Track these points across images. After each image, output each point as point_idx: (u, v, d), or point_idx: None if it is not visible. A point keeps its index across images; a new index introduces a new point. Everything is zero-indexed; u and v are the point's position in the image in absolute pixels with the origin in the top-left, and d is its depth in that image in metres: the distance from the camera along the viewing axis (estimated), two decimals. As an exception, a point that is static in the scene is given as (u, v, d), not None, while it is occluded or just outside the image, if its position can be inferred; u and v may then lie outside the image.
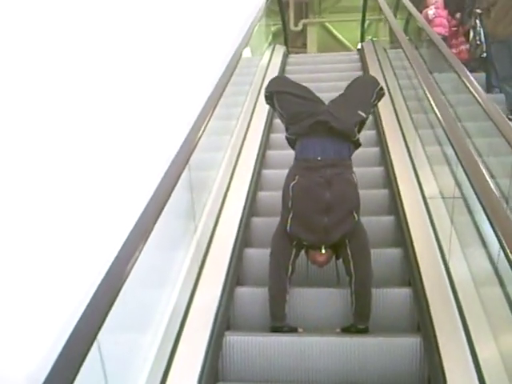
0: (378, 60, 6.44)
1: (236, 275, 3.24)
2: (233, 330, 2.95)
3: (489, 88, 5.79)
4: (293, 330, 2.87)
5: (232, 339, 2.75)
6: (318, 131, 2.88)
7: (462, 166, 2.46)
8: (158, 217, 2.18)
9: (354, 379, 2.66)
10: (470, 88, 3.32)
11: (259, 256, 3.27)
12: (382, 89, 3.11)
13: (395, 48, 6.26)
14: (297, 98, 3.01)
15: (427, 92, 3.39)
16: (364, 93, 3.05)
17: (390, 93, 5.13)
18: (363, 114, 2.95)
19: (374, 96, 3.05)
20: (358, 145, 3.00)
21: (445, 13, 6.94)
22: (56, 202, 1.85)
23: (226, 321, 2.93)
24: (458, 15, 6.83)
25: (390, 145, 4.38)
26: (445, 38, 6.31)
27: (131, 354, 2.30)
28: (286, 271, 2.88)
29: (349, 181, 2.87)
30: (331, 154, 2.86)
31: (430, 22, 6.61)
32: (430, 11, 6.89)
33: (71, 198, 1.95)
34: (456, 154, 2.60)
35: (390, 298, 2.98)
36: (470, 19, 6.40)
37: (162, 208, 2.26)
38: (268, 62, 6.62)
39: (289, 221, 2.84)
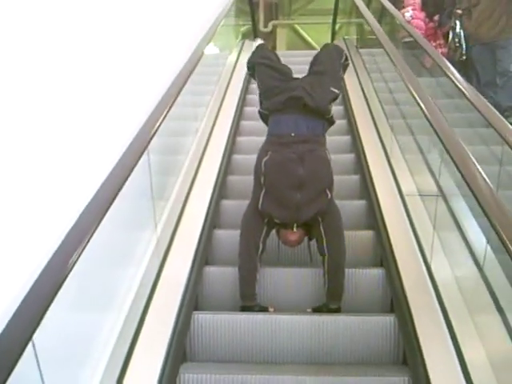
0: (351, 57, 6.42)
1: (205, 255, 3.14)
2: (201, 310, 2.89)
3: None
4: (263, 310, 2.80)
5: (200, 317, 2.66)
6: (292, 107, 2.85)
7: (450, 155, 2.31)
8: (110, 200, 1.96)
9: (325, 359, 2.59)
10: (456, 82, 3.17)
11: (228, 238, 3.23)
12: (346, 59, 3.11)
13: (368, 47, 6.27)
14: (274, 71, 2.98)
15: (410, 86, 3.18)
16: (332, 68, 3.01)
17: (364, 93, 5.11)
18: (336, 91, 2.93)
19: (340, 70, 3.05)
20: (331, 122, 2.97)
21: (422, 15, 6.60)
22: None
23: (194, 299, 2.83)
24: (436, 17, 6.40)
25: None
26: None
27: (92, 334, 2.20)
28: (257, 249, 2.82)
29: (322, 157, 2.83)
30: (304, 130, 2.83)
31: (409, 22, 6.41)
32: (407, 13, 6.52)
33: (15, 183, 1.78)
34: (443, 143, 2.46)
35: (362, 278, 2.93)
36: (449, 20, 5.96)
37: (116, 191, 2.03)
38: (236, 59, 6.35)
39: (261, 197, 2.79)
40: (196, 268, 2.93)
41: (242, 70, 5.55)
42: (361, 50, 6.52)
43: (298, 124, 2.84)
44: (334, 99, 2.95)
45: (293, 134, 2.82)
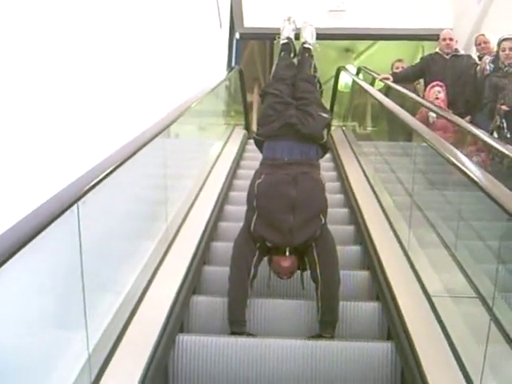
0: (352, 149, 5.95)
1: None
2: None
3: None
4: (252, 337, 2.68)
5: (186, 339, 2.53)
6: (286, 134, 2.96)
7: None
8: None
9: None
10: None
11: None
12: (320, 86, 3.28)
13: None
14: (278, 103, 3.07)
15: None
16: (315, 99, 3.14)
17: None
18: (326, 115, 3.08)
19: (320, 98, 3.22)
20: (326, 148, 3.08)
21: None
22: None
23: (179, 323, 2.68)
24: (468, 118, 4.94)
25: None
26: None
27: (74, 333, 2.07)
28: (248, 273, 2.77)
29: (316, 180, 2.89)
30: (298, 155, 2.92)
31: (429, 125, 4.64)
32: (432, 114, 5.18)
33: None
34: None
35: (358, 311, 2.85)
36: (490, 121, 4.62)
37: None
38: (221, 149, 5.79)
39: (253, 220, 2.79)
40: (183, 295, 2.77)
41: (226, 162, 5.19)
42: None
43: (291, 149, 2.93)
44: (326, 124, 3.06)
45: (286, 159, 2.90)
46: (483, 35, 5.42)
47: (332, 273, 2.77)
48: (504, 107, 4.44)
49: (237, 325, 2.72)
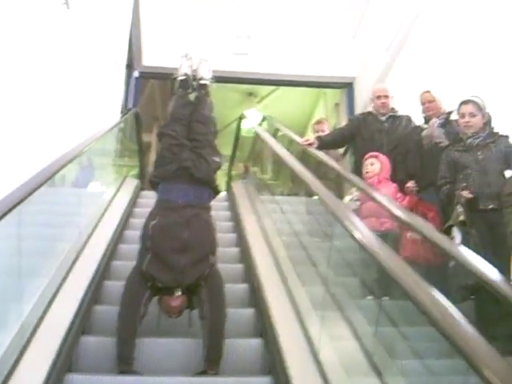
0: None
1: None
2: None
3: None
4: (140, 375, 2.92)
5: (74, 378, 2.76)
6: (181, 177, 3.33)
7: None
8: None
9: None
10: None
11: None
12: (214, 123, 3.70)
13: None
14: (172, 139, 3.48)
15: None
16: (208, 141, 3.58)
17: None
18: (218, 160, 3.50)
19: (214, 141, 3.64)
20: (217, 191, 3.48)
21: (390, 189, 4.26)
22: None
23: (68, 362, 2.92)
24: (411, 184, 4.29)
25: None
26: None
27: None
28: (138, 312, 3.01)
29: (207, 222, 3.27)
30: (191, 197, 3.29)
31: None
32: (350, 197, 4.33)
33: None
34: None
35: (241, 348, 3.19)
36: (447, 205, 3.86)
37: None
38: (109, 201, 5.44)
39: (146, 260, 3.07)
40: (71, 335, 3.02)
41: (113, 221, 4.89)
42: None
43: (185, 192, 3.30)
44: (218, 168, 3.50)
45: (180, 201, 3.26)
46: (428, 92, 4.63)
47: (220, 310, 3.07)
48: (466, 193, 3.60)
49: (125, 363, 2.93)
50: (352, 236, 2.66)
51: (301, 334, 3.12)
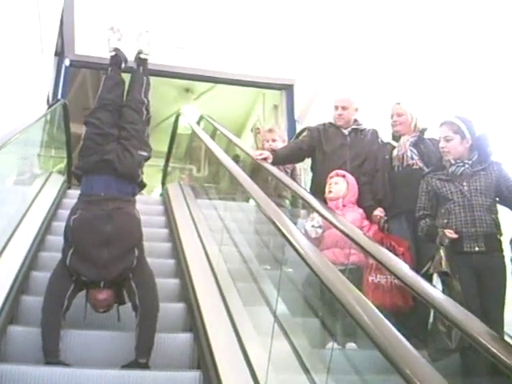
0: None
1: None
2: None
3: None
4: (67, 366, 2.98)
5: (1, 368, 2.82)
6: (103, 169, 3.35)
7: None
8: None
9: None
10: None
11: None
12: (148, 113, 3.69)
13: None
14: (97, 135, 3.47)
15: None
16: (137, 132, 3.58)
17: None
18: (144, 154, 3.53)
19: (146, 130, 3.65)
20: (143, 185, 3.53)
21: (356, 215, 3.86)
22: None
23: None
24: (378, 212, 3.95)
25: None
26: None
27: None
28: (61, 305, 3.08)
29: (131, 215, 3.31)
30: (114, 191, 3.33)
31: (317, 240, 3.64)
32: (310, 223, 3.72)
33: None
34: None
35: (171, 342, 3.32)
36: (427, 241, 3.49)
37: None
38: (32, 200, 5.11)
39: (69, 255, 3.13)
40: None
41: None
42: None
43: (108, 185, 3.33)
44: (145, 161, 3.53)
45: (102, 194, 3.29)
46: (398, 104, 4.21)
47: (151, 300, 3.17)
48: (450, 233, 3.24)
49: (50, 355, 3.00)
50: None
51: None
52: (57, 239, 3.91)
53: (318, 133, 4.54)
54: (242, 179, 3.98)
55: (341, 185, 3.97)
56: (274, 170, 4.32)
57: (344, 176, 4.03)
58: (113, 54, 3.86)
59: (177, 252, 4.63)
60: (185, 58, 9.31)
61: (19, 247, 3.98)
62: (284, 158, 4.60)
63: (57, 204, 5.53)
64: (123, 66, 3.84)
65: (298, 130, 9.02)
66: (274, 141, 5.33)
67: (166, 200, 6.27)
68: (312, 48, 8.92)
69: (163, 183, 7.81)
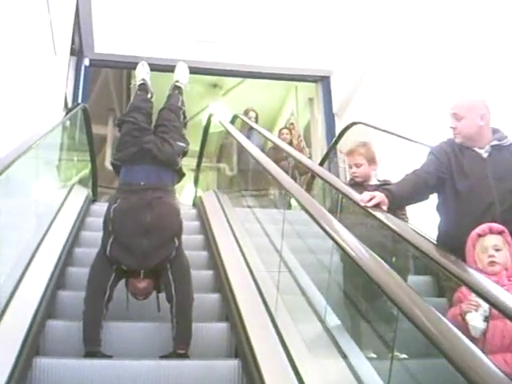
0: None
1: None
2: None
3: None
4: (108, 358, 3.14)
5: (42, 362, 3.01)
6: (142, 158, 3.56)
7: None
8: None
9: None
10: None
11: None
12: (184, 114, 4.02)
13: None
14: (135, 130, 3.74)
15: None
16: (175, 129, 3.90)
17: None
18: (183, 144, 3.77)
19: (182, 129, 3.95)
20: (182, 174, 3.73)
21: None
22: None
23: (35, 346, 3.16)
24: None
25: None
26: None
27: None
28: (104, 294, 3.26)
29: (170, 205, 3.48)
30: (154, 179, 3.51)
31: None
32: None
33: None
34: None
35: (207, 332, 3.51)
36: None
37: None
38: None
39: (109, 244, 3.29)
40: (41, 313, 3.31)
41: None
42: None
43: (148, 174, 3.54)
44: (183, 152, 3.77)
45: (142, 183, 3.48)
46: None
47: (187, 292, 3.34)
48: None
49: (91, 343, 3.16)
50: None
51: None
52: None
53: (446, 156, 3.28)
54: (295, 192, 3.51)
55: (503, 251, 2.80)
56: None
57: (502, 232, 2.84)
58: (141, 82, 4.24)
59: (209, 245, 5.01)
60: (213, 52, 9.19)
61: (54, 244, 4.28)
62: (404, 200, 3.38)
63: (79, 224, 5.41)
64: (149, 96, 4.18)
65: (336, 124, 9.11)
66: (358, 166, 3.98)
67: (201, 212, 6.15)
68: (350, 35, 8.68)
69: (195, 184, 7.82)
